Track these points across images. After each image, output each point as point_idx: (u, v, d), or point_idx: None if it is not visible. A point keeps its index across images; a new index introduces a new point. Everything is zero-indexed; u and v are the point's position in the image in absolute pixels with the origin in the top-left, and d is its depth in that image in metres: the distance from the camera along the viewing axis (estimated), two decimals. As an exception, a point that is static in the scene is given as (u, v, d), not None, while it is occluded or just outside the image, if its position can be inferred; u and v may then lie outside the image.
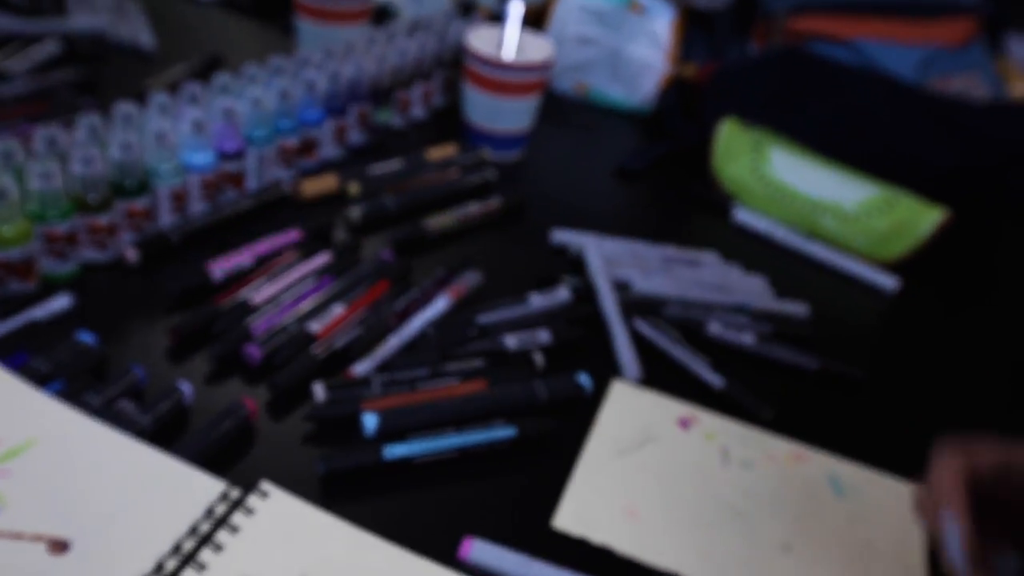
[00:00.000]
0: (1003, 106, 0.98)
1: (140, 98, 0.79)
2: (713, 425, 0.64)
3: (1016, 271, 0.95)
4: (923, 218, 0.84)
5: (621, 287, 0.77)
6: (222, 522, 0.50)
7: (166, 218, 0.73)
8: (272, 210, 0.78)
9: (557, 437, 0.62)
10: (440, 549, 0.53)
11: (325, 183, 0.81)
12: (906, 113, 0.93)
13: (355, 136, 0.89)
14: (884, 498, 0.61)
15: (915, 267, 0.85)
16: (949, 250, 0.87)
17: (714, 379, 0.68)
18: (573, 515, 0.56)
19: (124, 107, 0.70)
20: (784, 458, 0.62)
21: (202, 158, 0.74)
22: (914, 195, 0.86)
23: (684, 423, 0.64)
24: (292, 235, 0.75)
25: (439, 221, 0.80)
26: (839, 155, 0.91)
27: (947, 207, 0.86)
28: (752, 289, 0.79)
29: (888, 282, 0.84)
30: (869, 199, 0.86)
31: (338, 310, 0.67)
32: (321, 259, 0.73)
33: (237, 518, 0.50)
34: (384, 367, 0.65)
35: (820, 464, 0.62)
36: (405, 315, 0.69)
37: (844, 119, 0.94)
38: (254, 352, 0.62)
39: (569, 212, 0.88)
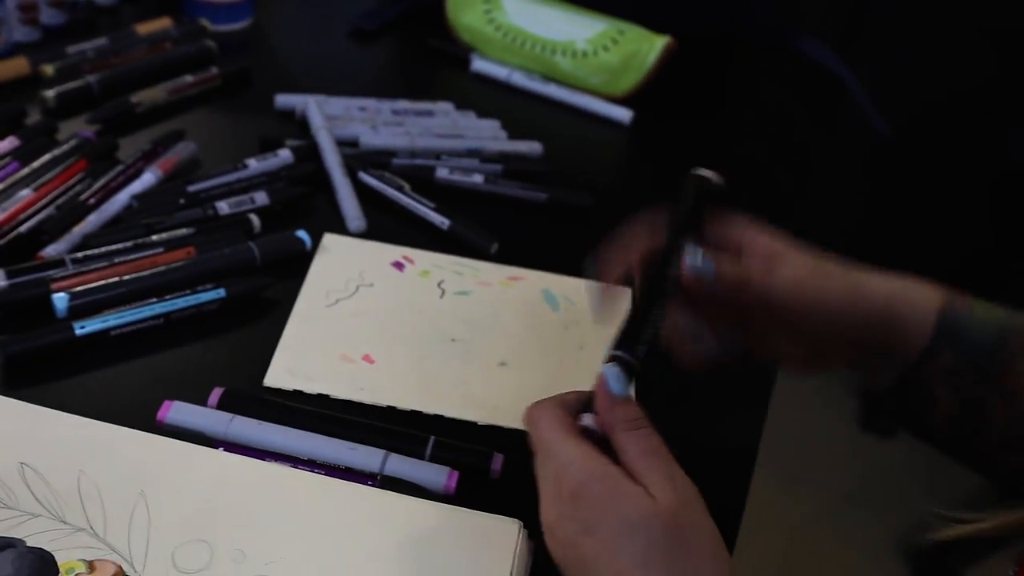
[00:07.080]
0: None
1: None
2: (428, 262, 0.63)
3: (742, 91, 0.98)
4: (650, 47, 0.85)
5: (349, 144, 0.74)
6: None
7: None
8: (-49, 102, 0.71)
9: (273, 296, 0.60)
10: (143, 417, 0.51)
11: (13, 66, 0.74)
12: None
13: (49, 15, 0.81)
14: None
15: (648, 98, 0.87)
16: (680, 78, 0.88)
17: (440, 220, 0.68)
18: (285, 370, 0.55)
19: None
20: (499, 283, 0.62)
21: None
22: (640, 27, 0.87)
23: (399, 265, 0.63)
24: (-19, 127, 0.68)
25: (148, 95, 0.75)
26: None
27: (676, 36, 0.87)
28: (485, 133, 0.79)
29: (623, 114, 0.85)
30: (599, 33, 0.86)
31: (25, 194, 0.62)
32: (5, 145, 0.66)
33: None
34: (83, 247, 0.61)
35: (535, 282, 0.63)
36: (107, 193, 0.65)
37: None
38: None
39: (302, 78, 0.84)
